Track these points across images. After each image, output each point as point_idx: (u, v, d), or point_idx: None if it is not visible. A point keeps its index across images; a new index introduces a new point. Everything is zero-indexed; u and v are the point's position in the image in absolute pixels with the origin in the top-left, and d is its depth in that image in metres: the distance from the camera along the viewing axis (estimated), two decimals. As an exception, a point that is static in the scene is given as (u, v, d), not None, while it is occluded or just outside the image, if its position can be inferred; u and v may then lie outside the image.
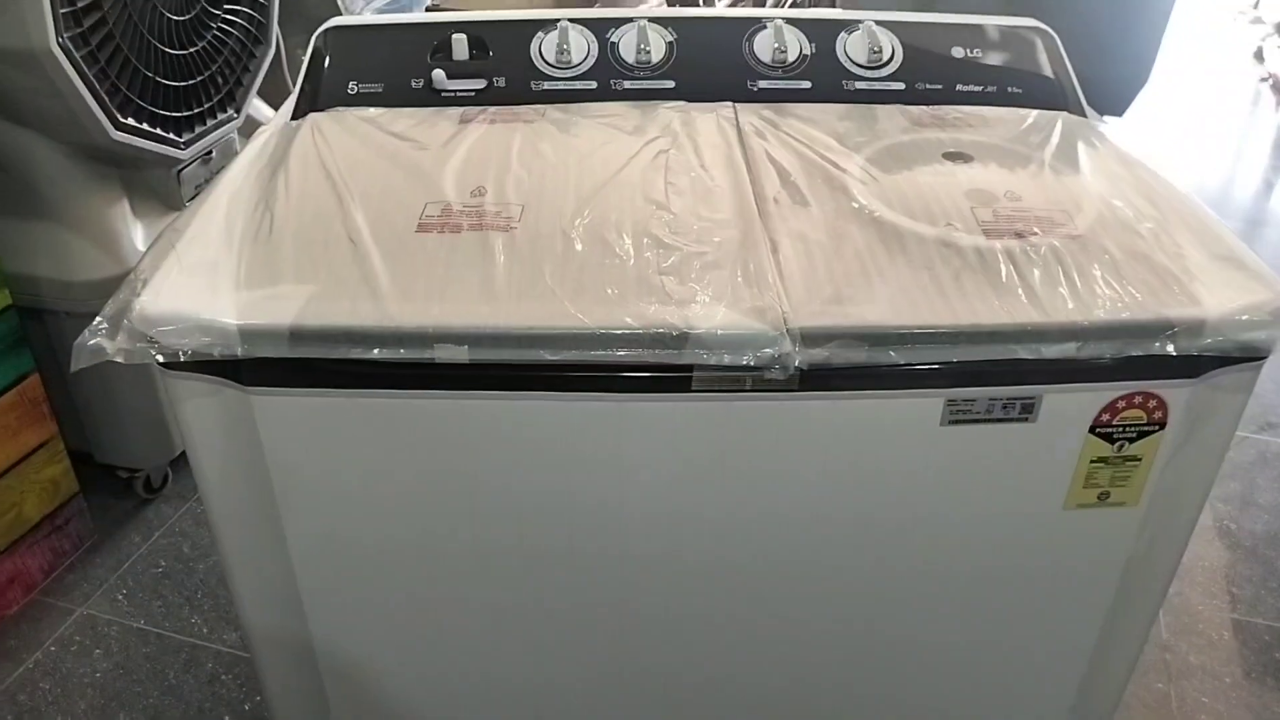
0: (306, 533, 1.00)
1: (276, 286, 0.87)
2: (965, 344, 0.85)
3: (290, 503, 0.97)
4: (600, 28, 1.24)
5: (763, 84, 1.22)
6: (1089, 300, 0.88)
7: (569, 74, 1.21)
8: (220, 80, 1.89)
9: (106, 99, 1.60)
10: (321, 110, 1.18)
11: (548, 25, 1.23)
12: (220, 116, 1.91)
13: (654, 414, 0.91)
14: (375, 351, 0.83)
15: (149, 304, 0.85)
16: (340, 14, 2.25)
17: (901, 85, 1.22)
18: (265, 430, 0.91)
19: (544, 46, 1.22)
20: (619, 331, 0.83)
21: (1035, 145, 1.12)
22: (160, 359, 0.84)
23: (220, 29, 1.83)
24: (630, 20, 1.24)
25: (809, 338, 0.83)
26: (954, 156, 1.08)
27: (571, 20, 1.24)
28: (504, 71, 1.21)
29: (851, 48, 1.24)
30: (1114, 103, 2.04)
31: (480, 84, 1.21)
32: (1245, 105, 4.30)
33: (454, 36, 1.21)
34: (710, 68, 1.23)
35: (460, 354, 0.83)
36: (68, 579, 1.80)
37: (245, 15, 1.90)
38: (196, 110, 1.84)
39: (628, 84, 1.21)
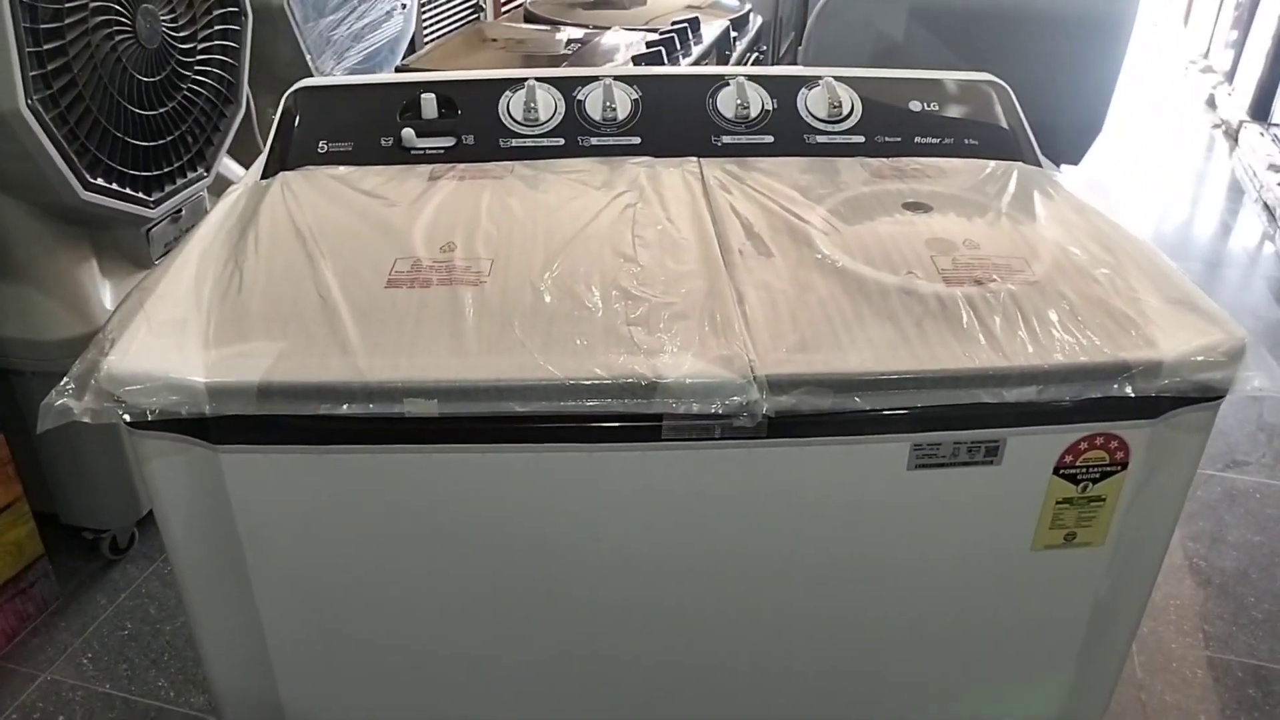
0: (275, 591, 0.99)
1: (245, 344, 0.87)
2: (929, 389, 0.87)
3: (259, 561, 0.96)
4: (567, 86, 1.26)
5: (726, 139, 1.25)
6: (1048, 344, 0.90)
7: (536, 131, 1.24)
8: (190, 140, 1.90)
9: (76, 160, 1.61)
10: (292, 169, 1.19)
11: (515, 84, 1.26)
12: (190, 175, 1.92)
13: (625, 463, 0.91)
14: (345, 407, 0.83)
15: (116, 363, 0.85)
16: (311, 74, 2.27)
17: (861, 138, 1.25)
18: (233, 488, 0.91)
19: (512, 105, 1.25)
20: (588, 382, 0.84)
21: (992, 195, 1.15)
22: (127, 418, 0.84)
23: (190, 89, 1.85)
24: (596, 79, 1.27)
25: (775, 385, 0.85)
26: (914, 206, 1.11)
27: (539, 79, 1.26)
28: (473, 130, 1.23)
29: (812, 103, 1.27)
30: (1070, 150, 2.10)
31: (449, 142, 1.23)
32: (1200, 151, 4.42)
33: (423, 96, 1.23)
34: (675, 124, 1.26)
35: (430, 408, 0.84)
36: (31, 643, 1.76)
37: (215, 76, 1.91)
38: (166, 169, 1.84)
39: (594, 141, 1.24)
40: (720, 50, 2.08)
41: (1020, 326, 0.91)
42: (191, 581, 0.99)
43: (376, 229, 1.05)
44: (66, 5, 1.53)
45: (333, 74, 2.36)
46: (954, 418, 0.90)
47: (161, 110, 1.78)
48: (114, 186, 1.70)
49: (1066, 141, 2.02)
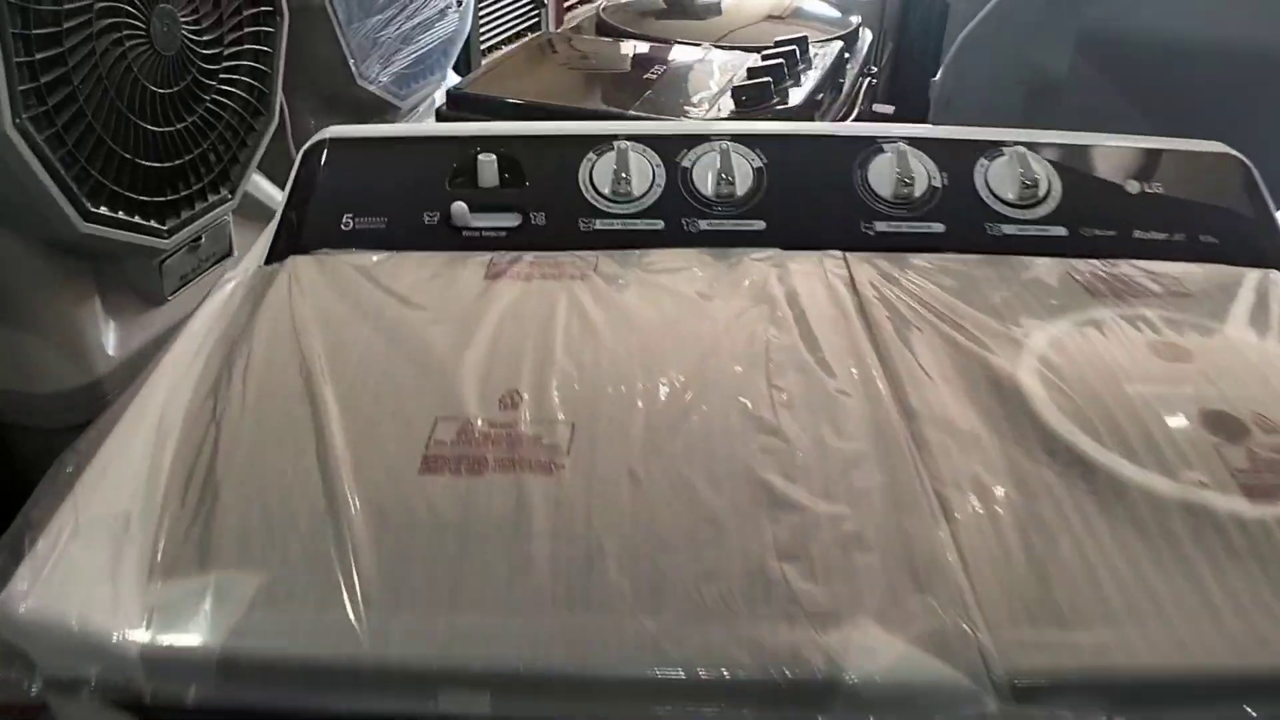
0: None
1: (207, 573, 0.58)
2: (1265, 699, 0.55)
3: None
4: (669, 148, 0.96)
5: (881, 225, 0.93)
6: None
7: (628, 210, 0.93)
8: (213, 158, 1.63)
9: (74, 187, 1.35)
10: (306, 252, 0.90)
11: (601, 144, 0.95)
12: (211, 199, 1.65)
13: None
14: (348, 704, 0.54)
15: (14, 599, 0.57)
16: (353, 80, 2.02)
17: (1064, 230, 0.93)
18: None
19: (595, 172, 0.94)
20: (728, 677, 0.54)
21: (1272, 328, 0.82)
22: (34, 689, 0.56)
23: (214, 101, 1.58)
24: (707, 138, 0.96)
25: (1022, 691, 0.54)
26: (1163, 349, 0.79)
27: (631, 138, 0.96)
28: (545, 204, 0.93)
29: (995, 178, 0.95)
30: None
31: (513, 220, 0.93)
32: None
33: (480, 157, 0.94)
34: (812, 204, 0.94)
35: (480, 705, 0.54)
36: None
37: (244, 85, 1.64)
38: (183, 193, 1.58)
39: (704, 224, 0.93)
40: (835, 77, 1.76)
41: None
42: None
43: (412, 362, 0.75)
44: (66, 7, 1.27)
45: (378, 79, 2.11)
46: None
47: (179, 126, 1.51)
48: (120, 215, 1.43)
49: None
